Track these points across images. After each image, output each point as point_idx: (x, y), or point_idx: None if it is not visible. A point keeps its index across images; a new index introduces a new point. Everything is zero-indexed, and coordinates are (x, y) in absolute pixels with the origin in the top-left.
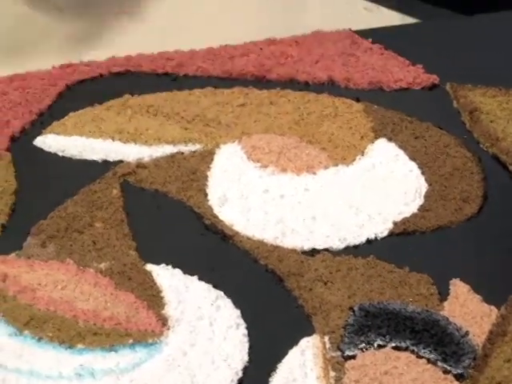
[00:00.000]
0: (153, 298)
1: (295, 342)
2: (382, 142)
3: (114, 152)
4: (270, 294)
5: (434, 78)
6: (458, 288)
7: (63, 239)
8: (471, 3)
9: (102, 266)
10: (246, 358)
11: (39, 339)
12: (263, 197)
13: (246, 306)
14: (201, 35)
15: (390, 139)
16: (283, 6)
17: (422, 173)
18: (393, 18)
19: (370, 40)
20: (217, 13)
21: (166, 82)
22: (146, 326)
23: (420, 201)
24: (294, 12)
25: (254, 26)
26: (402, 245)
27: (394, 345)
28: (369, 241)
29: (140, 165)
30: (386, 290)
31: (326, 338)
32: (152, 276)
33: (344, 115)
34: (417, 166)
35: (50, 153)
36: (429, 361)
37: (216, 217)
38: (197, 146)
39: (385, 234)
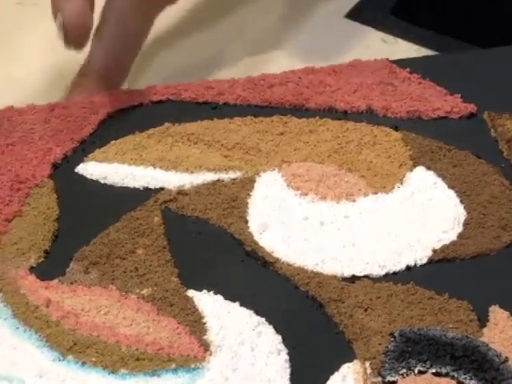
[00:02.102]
0: (195, 323)
1: (336, 368)
2: (420, 170)
3: (155, 179)
4: (311, 320)
5: (471, 108)
6: (498, 314)
7: (106, 265)
8: (488, 36)
9: (145, 291)
10: (287, 383)
11: (82, 364)
12: (303, 224)
13: (287, 332)
14: (240, 64)
15: (428, 167)
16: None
17: (461, 201)
18: (410, 50)
19: (408, 69)
20: (255, 43)
21: (206, 110)
22: (189, 351)
23: (459, 228)
24: (307, 44)
25: (292, 55)
26: (441, 272)
27: (434, 371)
28: (408, 267)
29: (181, 192)
30: (425, 317)
31: (367, 364)
32: (194, 302)
33: (383, 143)
34: (455, 193)
35: (91, 180)
36: None
37: (256, 243)
38: (237, 174)
39: (424, 261)
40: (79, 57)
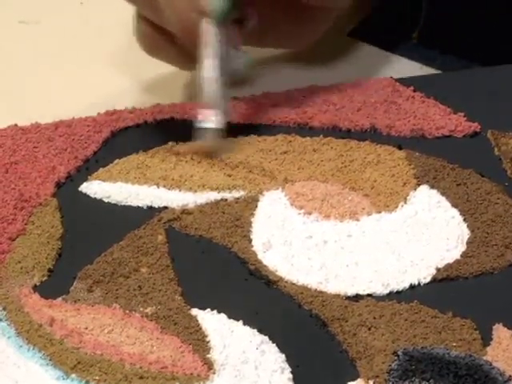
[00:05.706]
0: (198, 342)
1: None
2: (424, 189)
3: (158, 198)
4: (315, 339)
5: (475, 126)
6: (501, 333)
7: (109, 284)
8: (491, 54)
9: (148, 310)
10: None
11: (86, 382)
12: (307, 243)
13: (290, 351)
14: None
15: (432, 186)
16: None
17: (464, 219)
18: (413, 68)
19: (412, 88)
20: (259, 61)
21: None
22: (192, 369)
23: (462, 247)
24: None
25: (295, 74)
26: (444, 290)
27: None
28: (412, 286)
29: (185, 211)
30: (429, 335)
31: (371, 383)
32: (197, 321)
33: (386, 162)
34: (459, 212)
35: (95, 199)
36: None
37: (260, 262)
38: (241, 193)
39: (428, 279)
40: (77, 76)
